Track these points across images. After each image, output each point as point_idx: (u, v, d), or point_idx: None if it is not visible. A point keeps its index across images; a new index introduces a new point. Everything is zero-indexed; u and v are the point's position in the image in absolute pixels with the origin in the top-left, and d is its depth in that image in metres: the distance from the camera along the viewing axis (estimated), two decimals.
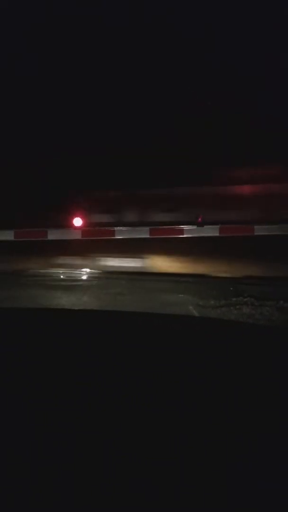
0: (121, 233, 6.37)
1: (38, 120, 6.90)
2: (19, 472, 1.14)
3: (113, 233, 6.37)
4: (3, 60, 6.95)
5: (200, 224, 6.27)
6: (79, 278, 6.41)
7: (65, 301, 5.40)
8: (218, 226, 6.30)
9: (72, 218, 6.47)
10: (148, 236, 6.32)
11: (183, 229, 6.32)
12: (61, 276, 6.40)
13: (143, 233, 6.33)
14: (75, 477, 1.12)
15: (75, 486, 1.10)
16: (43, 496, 1.08)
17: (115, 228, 6.38)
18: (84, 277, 6.42)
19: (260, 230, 6.23)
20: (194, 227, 6.30)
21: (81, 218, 6.46)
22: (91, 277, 6.40)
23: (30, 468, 1.15)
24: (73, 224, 6.47)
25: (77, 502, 1.06)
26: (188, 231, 6.32)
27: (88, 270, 6.44)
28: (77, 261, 6.54)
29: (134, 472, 1.15)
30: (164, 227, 6.40)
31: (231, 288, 5.62)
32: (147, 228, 6.33)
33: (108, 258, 6.61)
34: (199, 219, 6.27)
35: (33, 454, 1.20)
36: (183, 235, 6.31)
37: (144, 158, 6.49)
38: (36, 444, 1.23)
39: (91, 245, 6.48)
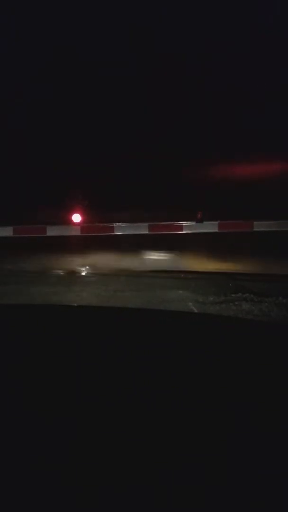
0: (121, 229, 6.37)
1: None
2: (18, 470, 1.14)
3: (112, 229, 6.38)
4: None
5: (199, 220, 6.28)
6: (79, 274, 6.42)
7: (65, 297, 5.41)
8: (217, 222, 6.31)
9: (71, 215, 6.47)
10: (147, 232, 6.32)
11: (182, 225, 6.32)
12: (61, 273, 6.41)
13: (142, 229, 6.34)
14: (74, 475, 1.12)
15: (75, 484, 1.09)
16: (42, 495, 1.07)
17: (115, 224, 6.38)
18: (84, 273, 6.43)
19: (259, 226, 6.24)
20: (193, 223, 6.31)
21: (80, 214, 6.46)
22: (90, 273, 6.41)
23: (29, 466, 1.15)
24: (72, 220, 6.47)
25: (77, 501, 1.06)
26: (187, 227, 6.32)
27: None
28: None
29: (134, 466, 1.15)
30: (163, 223, 6.41)
31: (230, 285, 5.63)
32: (146, 224, 6.34)
33: None
34: (199, 216, 6.28)
35: (32, 451, 1.20)
36: (182, 231, 6.32)
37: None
38: (35, 441, 1.23)
39: None
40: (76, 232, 6.46)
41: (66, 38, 6.93)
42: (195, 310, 4.92)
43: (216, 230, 6.30)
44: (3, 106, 6.85)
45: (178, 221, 6.37)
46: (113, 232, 6.39)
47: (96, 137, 6.78)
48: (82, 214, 6.44)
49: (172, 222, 6.37)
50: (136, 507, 1.03)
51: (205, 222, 6.30)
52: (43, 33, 6.90)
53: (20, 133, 6.88)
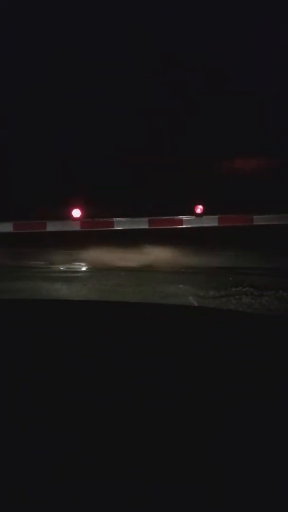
0: (120, 224, 6.38)
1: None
2: (17, 467, 1.15)
3: (112, 224, 6.38)
4: None
5: (199, 215, 6.28)
6: (79, 270, 6.43)
7: (66, 292, 5.43)
8: (217, 216, 6.31)
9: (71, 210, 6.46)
10: (147, 226, 6.32)
11: (182, 220, 6.32)
12: (61, 268, 6.43)
13: (142, 224, 6.34)
14: (74, 471, 1.14)
15: (74, 479, 1.11)
16: (41, 491, 1.08)
17: (114, 219, 6.38)
18: (84, 268, 6.44)
19: (259, 220, 6.24)
20: (193, 217, 6.30)
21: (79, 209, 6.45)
22: (91, 269, 6.42)
23: (29, 462, 1.17)
24: (72, 216, 6.47)
25: (77, 498, 1.07)
26: (187, 221, 6.32)
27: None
28: None
29: (133, 461, 1.16)
30: (163, 217, 6.41)
31: (231, 279, 5.64)
32: (146, 219, 6.33)
33: None
34: (199, 210, 6.28)
35: (31, 445, 1.22)
36: (182, 225, 6.32)
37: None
38: (36, 434, 1.25)
39: None
40: (76, 227, 6.46)
41: (66, 38, 6.94)
42: (196, 304, 4.93)
43: (216, 224, 6.30)
44: (2, 106, 6.86)
45: (178, 215, 6.37)
46: (113, 227, 6.39)
47: (95, 136, 6.78)
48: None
49: (172, 217, 6.37)
50: (136, 505, 1.04)
51: (205, 217, 6.30)
52: (43, 33, 6.90)
53: (19, 132, 6.88)
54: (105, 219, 6.46)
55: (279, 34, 6.67)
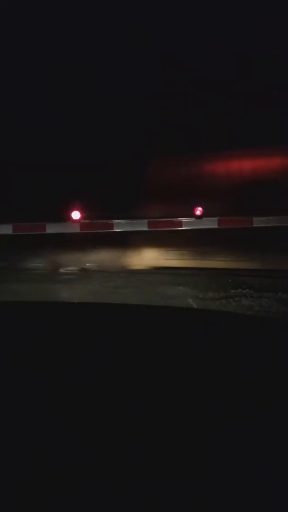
0: (120, 226, 6.37)
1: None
2: (18, 468, 1.14)
3: (111, 226, 6.37)
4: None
5: (198, 217, 6.27)
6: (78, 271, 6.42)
7: (66, 294, 5.42)
8: (216, 218, 6.30)
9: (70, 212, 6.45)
10: (146, 228, 6.31)
11: (181, 222, 6.31)
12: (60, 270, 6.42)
13: (142, 226, 6.33)
14: (74, 473, 1.12)
15: (74, 481, 1.10)
16: (42, 493, 1.07)
17: (114, 221, 6.37)
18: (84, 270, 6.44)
19: (258, 222, 6.23)
20: (193, 219, 6.30)
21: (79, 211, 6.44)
22: (90, 270, 6.41)
23: (30, 463, 1.16)
24: (71, 218, 6.45)
25: (77, 500, 1.06)
26: (187, 223, 6.32)
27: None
28: None
29: (134, 463, 1.15)
30: (163, 219, 6.40)
31: (230, 280, 5.63)
32: (146, 221, 6.32)
33: None
34: (198, 212, 6.27)
35: (32, 448, 1.20)
36: (181, 227, 6.31)
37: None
38: (36, 439, 1.24)
39: None
40: (75, 229, 6.45)
41: (66, 38, 6.95)
42: (195, 306, 4.93)
43: (215, 226, 6.30)
44: (2, 106, 6.86)
45: (178, 217, 6.36)
46: (112, 229, 6.39)
47: (96, 136, 6.78)
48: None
49: (172, 219, 6.36)
50: (136, 505, 1.03)
51: (204, 219, 6.29)
52: (43, 33, 6.92)
53: (19, 131, 6.88)
54: (104, 221, 6.46)
55: (279, 34, 6.69)
